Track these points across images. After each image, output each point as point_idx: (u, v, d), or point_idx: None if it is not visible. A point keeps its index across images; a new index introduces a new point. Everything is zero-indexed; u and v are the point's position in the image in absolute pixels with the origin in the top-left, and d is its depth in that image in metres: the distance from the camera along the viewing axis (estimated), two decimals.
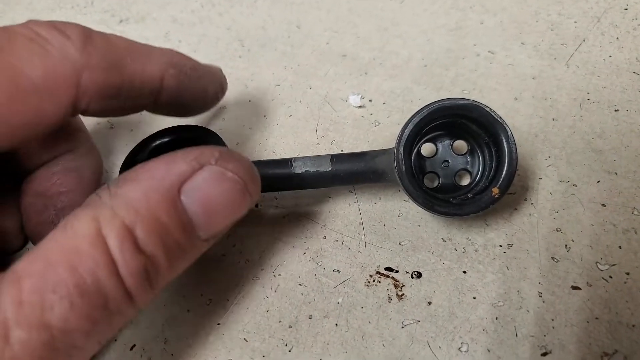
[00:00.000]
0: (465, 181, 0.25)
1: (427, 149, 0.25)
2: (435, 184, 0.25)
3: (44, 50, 0.17)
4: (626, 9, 0.31)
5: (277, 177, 0.24)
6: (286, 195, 0.27)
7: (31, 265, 0.15)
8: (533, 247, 0.23)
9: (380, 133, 0.29)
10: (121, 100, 0.21)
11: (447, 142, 0.25)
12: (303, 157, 0.24)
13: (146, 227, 0.16)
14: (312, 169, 0.24)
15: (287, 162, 0.24)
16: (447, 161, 0.25)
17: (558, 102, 0.28)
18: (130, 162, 0.25)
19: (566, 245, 0.23)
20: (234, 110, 0.31)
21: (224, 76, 0.27)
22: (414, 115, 0.22)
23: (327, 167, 0.24)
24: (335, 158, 0.24)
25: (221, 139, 0.25)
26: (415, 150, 0.25)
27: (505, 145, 0.22)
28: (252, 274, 0.25)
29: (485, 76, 0.30)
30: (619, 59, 0.29)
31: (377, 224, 0.25)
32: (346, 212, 0.26)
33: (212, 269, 0.25)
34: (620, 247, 0.23)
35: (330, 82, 0.31)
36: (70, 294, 0.14)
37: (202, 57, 0.35)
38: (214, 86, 0.25)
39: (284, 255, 0.25)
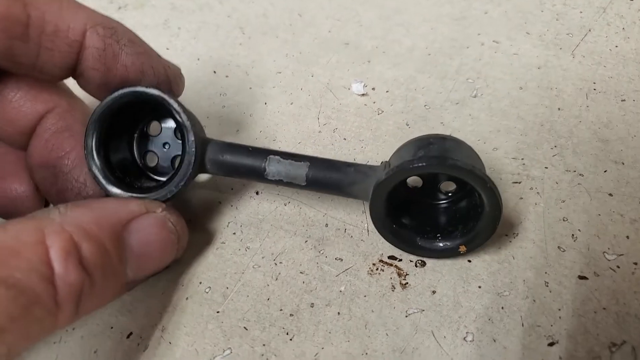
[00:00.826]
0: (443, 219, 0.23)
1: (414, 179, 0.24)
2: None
3: None
4: (632, 0, 0.31)
5: (248, 172, 0.23)
6: None
7: None
8: (539, 237, 0.23)
9: (384, 121, 0.28)
10: (30, 48, 0.18)
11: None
12: (280, 161, 0.22)
13: (92, 247, 0.17)
14: (285, 180, 0.22)
15: (260, 166, 0.22)
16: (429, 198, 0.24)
17: (564, 92, 0.28)
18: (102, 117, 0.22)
19: (573, 234, 0.23)
20: (235, 98, 0.31)
21: (181, 75, 0.23)
22: (400, 171, 0.20)
23: (301, 182, 0.22)
24: (312, 171, 0.22)
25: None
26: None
27: (487, 208, 0.20)
28: (253, 262, 0.24)
29: (490, 65, 0.29)
30: (625, 49, 0.29)
31: None
32: (348, 200, 0.26)
33: (211, 257, 0.25)
34: (627, 237, 0.22)
35: (333, 70, 0.31)
36: None
37: (202, 44, 0.34)
38: (156, 73, 0.21)
39: (285, 243, 0.25)
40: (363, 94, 0.29)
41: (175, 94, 0.23)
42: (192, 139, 0.21)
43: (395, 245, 0.23)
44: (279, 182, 0.23)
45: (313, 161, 0.22)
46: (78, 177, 0.21)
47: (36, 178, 0.22)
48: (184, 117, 0.21)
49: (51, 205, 0.18)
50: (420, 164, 0.19)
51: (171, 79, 0.22)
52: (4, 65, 0.18)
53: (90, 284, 0.17)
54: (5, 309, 0.14)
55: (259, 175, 0.23)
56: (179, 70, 0.23)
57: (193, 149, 0.21)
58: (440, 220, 0.23)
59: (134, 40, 0.21)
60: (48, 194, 0.22)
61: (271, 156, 0.22)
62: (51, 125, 0.21)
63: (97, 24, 0.19)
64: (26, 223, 0.16)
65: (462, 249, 0.22)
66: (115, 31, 0.20)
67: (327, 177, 0.22)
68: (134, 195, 0.21)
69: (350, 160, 0.27)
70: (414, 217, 0.23)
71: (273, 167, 0.22)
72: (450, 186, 0.23)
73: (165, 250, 0.21)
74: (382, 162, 0.22)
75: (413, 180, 0.24)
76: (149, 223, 0.19)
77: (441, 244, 0.22)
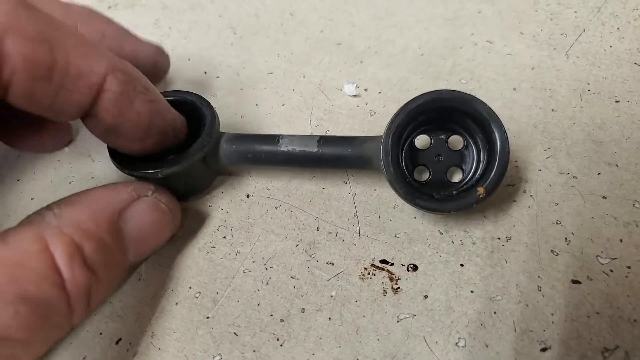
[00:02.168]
0: (457, 178, 0.24)
1: (421, 140, 0.25)
2: (426, 177, 0.24)
3: None
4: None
5: (262, 152, 0.24)
6: (279, 186, 0.26)
7: None
8: (532, 240, 0.23)
9: (376, 123, 0.28)
10: (51, 89, 0.18)
11: (442, 136, 0.24)
12: (291, 136, 0.24)
13: (94, 245, 0.17)
14: (298, 148, 0.23)
15: (274, 139, 0.24)
16: (440, 156, 0.24)
17: (557, 93, 0.27)
18: None
19: (566, 238, 0.23)
20: (226, 99, 0.30)
21: (185, 125, 0.24)
22: (408, 103, 0.22)
23: (313, 148, 0.23)
24: (323, 140, 0.23)
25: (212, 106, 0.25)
26: (408, 141, 0.24)
27: (499, 145, 0.21)
28: (243, 267, 0.24)
29: (483, 66, 0.29)
30: (619, 50, 0.29)
31: (372, 216, 0.25)
32: (340, 203, 0.25)
33: (201, 261, 0.24)
34: (621, 241, 0.22)
35: (325, 70, 0.31)
36: (13, 302, 0.15)
37: (193, 44, 0.34)
38: (165, 124, 0.22)
39: (276, 247, 0.24)
40: (355, 95, 0.29)
41: (176, 137, 0.23)
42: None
43: (411, 202, 0.21)
44: (291, 155, 0.23)
45: (323, 137, 0.24)
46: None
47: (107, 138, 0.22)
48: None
49: (45, 207, 0.18)
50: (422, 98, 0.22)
51: (176, 131, 0.23)
52: (21, 105, 0.18)
53: (96, 281, 0.18)
54: (26, 323, 0.15)
55: (272, 151, 0.24)
56: (184, 121, 0.24)
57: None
58: (453, 173, 0.25)
59: (148, 88, 0.21)
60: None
61: (283, 135, 0.24)
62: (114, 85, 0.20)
63: (117, 69, 0.19)
64: (25, 232, 0.16)
65: (481, 190, 0.21)
66: (133, 77, 0.20)
67: (338, 140, 0.23)
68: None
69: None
70: (426, 176, 0.24)
71: (286, 139, 0.24)
72: (459, 143, 0.24)
73: (161, 231, 0.21)
74: None
75: (421, 145, 0.24)
76: (142, 208, 0.20)
77: (458, 194, 0.22)
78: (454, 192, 0.22)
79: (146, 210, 0.20)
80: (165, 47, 0.34)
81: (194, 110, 0.24)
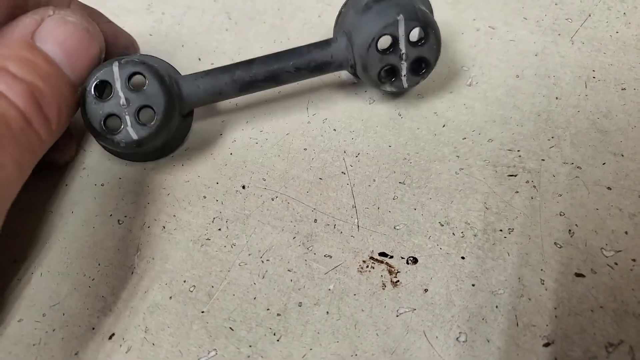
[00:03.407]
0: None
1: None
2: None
3: None
4: None
5: (228, 82, 0.24)
6: (275, 177, 0.26)
7: None
8: (535, 232, 0.22)
9: (375, 111, 0.27)
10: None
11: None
12: (251, 60, 0.25)
13: (16, 62, 0.19)
14: (264, 69, 0.25)
15: (237, 66, 0.25)
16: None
17: (562, 80, 0.27)
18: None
19: (570, 230, 0.22)
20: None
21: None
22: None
23: (282, 64, 0.25)
24: (283, 56, 0.25)
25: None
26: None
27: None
28: (239, 260, 0.23)
29: (486, 52, 0.28)
30: (626, 35, 0.28)
31: (371, 207, 0.24)
32: (338, 194, 0.25)
33: (196, 254, 0.24)
34: (626, 233, 0.22)
35: None
36: None
37: (187, 30, 0.33)
38: (125, 37, 0.26)
39: (272, 240, 0.24)
40: (354, 83, 0.28)
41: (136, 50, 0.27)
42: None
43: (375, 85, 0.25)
44: (257, 77, 0.24)
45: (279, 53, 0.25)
46: None
47: None
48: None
49: None
50: None
51: (134, 42, 0.27)
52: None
53: (37, 89, 0.19)
54: None
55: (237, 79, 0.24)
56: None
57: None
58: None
59: (102, 15, 0.25)
60: None
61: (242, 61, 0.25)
62: None
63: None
64: None
65: None
66: (91, 9, 0.24)
67: (299, 53, 0.25)
68: None
69: (340, 152, 0.26)
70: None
71: (247, 64, 0.25)
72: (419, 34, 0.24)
73: (82, 40, 0.21)
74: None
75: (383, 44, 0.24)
76: (51, 27, 0.20)
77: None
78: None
79: (56, 26, 0.21)
80: (158, 33, 0.33)
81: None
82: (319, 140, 0.27)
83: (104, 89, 0.22)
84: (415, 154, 0.25)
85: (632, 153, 0.24)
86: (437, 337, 0.20)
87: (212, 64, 0.31)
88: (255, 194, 0.25)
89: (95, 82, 0.22)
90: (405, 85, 0.25)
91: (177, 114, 0.24)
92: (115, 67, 0.22)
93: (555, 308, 0.20)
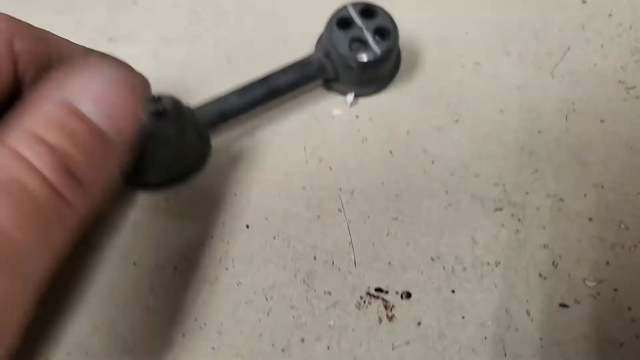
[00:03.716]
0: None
1: None
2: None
3: None
4: (610, 15, 0.31)
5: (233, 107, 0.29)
6: (276, 216, 0.27)
7: None
8: (521, 264, 0.24)
9: (368, 150, 0.29)
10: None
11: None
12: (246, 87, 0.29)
13: (46, 124, 0.16)
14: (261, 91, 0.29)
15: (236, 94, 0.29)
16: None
17: (544, 114, 0.28)
18: None
19: (553, 261, 0.24)
20: (224, 130, 0.31)
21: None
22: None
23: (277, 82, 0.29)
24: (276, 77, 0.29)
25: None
26: None
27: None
28: (245, 297, 0.25)
29: (471, 89, 0.30)
30: (603, 67, 0.29)
31: (367, 244, 0.26)
32: (336, 231, 0.26)
33: (205, 293, 0.25)
34: (607, 263, 0.23)
35: (317, 98, 0.32)
36: None
37: (191, 76, 0.35)
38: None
39: (275, 277, 0.25)
40: (349, 122, 0.30)
41: None
42: None
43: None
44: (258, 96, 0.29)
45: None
46: None
47: None
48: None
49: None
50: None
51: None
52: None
53: (69, 157, 0.16)
54: (20, 221, 0.14)
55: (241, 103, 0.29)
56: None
57: None
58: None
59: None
60: None
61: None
62: None
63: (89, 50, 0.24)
64: None
65: None
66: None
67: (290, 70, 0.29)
68: None
69: (336, 190, 0.27)
70: None
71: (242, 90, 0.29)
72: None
73: (124, 93, 0.18)
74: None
75: None
76: (85, 81, 0.18)
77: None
78: None
79: (92, 80, 0.18)
80: (165, 79, 0.35)
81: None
82: (316, 179, 0.28)
83: None
84: (407, 190, 0.27)
85: (612, 184, 0.25)
86: None
87: None
88: (258, 233, 0.27)
89: None
90: (377, 50, 0.27)
91: (189, 124, 0.27)
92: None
93: (541, 338, 0.22)
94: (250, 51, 0.35)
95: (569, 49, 0.30)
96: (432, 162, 0.28)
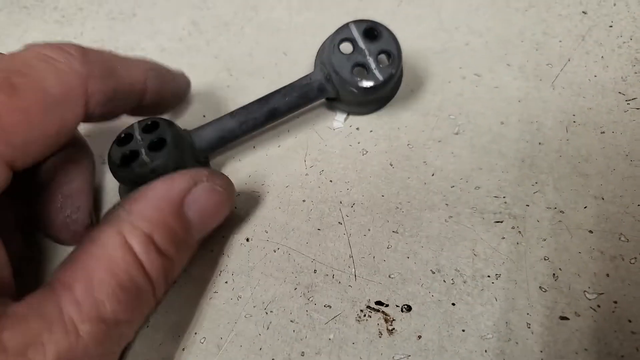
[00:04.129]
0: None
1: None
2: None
3: (55, 68, 0.21)
4: (611, 27, 0.31)
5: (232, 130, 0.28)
6: (276, 229, 0.27)
7: (75, 273, 0.19)
8: (521, 277, 0.24)
9: (368, 162, 0.29)
10: (117, 102, 0.24)
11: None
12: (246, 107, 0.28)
13: (162, 233, 0.21)
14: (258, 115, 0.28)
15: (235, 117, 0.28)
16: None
17: (544, 126, 0.28)
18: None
19: (554, 274, 0.23)
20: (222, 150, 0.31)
21: (188, 78, 0.31)
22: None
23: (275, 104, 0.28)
24: (277, 97, 0.28)
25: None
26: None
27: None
28: (245, 311, 0.25)
29: (472, 100, 0.30)
30: (604, 79, 0.29)
31: (367, 257, 0.26)
32: (336, 244, 0.26)
33: (205, 307, 0.26)
34: (607, 275, 0.23)
35: (318, 110, 0.32)
36: (115, 292, 0.19)
37: (192, 87, 0.35)
38: (184, 84, 0.30)
39: (275, 291, 0.25)
40: (349, 133, 0.30)
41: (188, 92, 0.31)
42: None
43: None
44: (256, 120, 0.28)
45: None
46: (71, 203, 0.26)
47: (33, 192, 0.26)
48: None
49: (118, 204, 0.22)
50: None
51: (189, 84, 0.31)
52: (97, 120, 0.24)
53: (170, 261, 0.21)
54: (127, 306, 0.19)
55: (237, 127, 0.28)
56: (185, 75, 0.30)
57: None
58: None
59: (169, 71, 0.28)
60: (37, 209, 0.26)
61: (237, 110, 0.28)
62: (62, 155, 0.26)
63: (148, 69, 0.26)
64: (107, 231, 0.20)
65: None
66: (158, 69, 0.27)
67: (290, 91, 0.28)
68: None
69: (336, 203, 0.27)
70: None
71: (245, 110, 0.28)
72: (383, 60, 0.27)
73: (220, 209, 0.24)
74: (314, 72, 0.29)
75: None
76: (201, 194, 0.22)
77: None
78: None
79: (204, 194, 0.23)
80: (165, 92, 0.35)
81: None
82: (316, 192, 0.28)
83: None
84: (407, 202, 0.27)
85: (612, 196, 0.25)
86: None
87: None
88: (258, 247, 0.27)
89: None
90: (380, 76, 0.26)
91: (188, 151, 0.27)
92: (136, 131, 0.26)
93: (541, 351, 0.22)
94: (250, 62, 0.35)
95: (569, 60, 0.30)
96: (433, 175, 0.28)
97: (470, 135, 0.29)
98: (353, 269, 0.25)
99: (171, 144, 0.25)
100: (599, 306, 0.22)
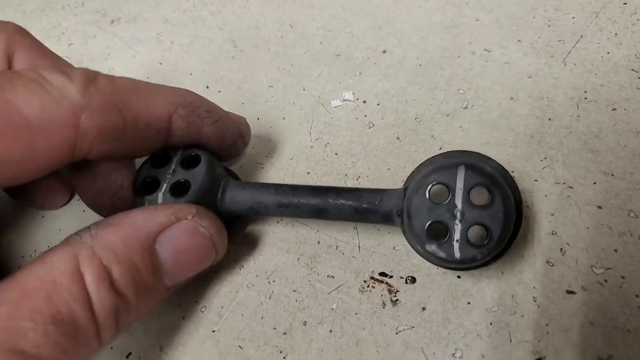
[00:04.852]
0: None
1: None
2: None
3: (43, 90, 0.18)
4: (625, 4, 0.31)
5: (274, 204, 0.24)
6: None
7: (7, 293, 0.16)
8: (528, 251, 0.23)
9: (374, 135, 0.28)
10: (126, 142, 0.20)
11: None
12: (301, 189, 0.23)
13: (122, 269, 0.18)
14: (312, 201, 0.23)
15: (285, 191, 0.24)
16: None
17: (554, 102, 0.28)
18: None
19: (561, 248, 0.23)
20: None
21: (248, 125, 0.26)
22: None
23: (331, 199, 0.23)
24: (334, 193, 0.23)
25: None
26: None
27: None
28: (247, 281, 0.25)
29: (481, 75, 0.29)
30: (617, 56, 0.29)
31: (371, 228, 0.25)
32: None
33: (206, 276, 0.25)
34: (615, 251, 0.23)
35: (324, 83, 0.31)
36: (45, 322, 0.15)
37: (195, 58, 0.34)
38: (232, 133, 0.24)
39: (278, 261, 0.25)
40: (347, 99, 0.30)
41: (245, 143, 0.26)
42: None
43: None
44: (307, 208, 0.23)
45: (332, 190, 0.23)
46: (119, 199, 0.23)
47: (82, 183, 0.23)
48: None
49: (86, 227, 0.19)
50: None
51: (243, 134, 0.25)
52: (99, 159, 0.21)
53: (124, 303, 0.18)
54: (56, 344, 0.16)
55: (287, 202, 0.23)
56: (245, 121, 0.26)
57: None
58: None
59: (211, 110, 0.23)
60: (84, 193, 0.24)
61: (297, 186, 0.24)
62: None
63: (179, 106, 0.21)
64: (62, 252, 0.17)
65: None
66: (194, 106, 0.22)
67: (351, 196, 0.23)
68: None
69: (342, 176, 0.27)
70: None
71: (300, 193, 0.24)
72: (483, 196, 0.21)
73: (200, 257, 0.21)
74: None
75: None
76: (179, 232, 0.20)
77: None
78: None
79: (184, 234, 0.20)
80: (167, 61, 0.35)
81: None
82: (321, 164, 0.28)
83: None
84: None
85: (621, 172, 0.25)
86: (434, 353, 0.22)
87: (220, 91, 0.32)
88: (261, 217, 0.27)
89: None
90: (457, 254, 0.20)
91: (211, 206, 0.23)
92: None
93: (547, 324, 0.21)
94: (255, 34, 0.35)
95: (582, 37, 0.30)
96: (440, 149, 0.27)
97: (479, 110, 0.28)
98: (357, 241, 0.25)
99: (193, 195, 0.22)
100: (606, 281, 0.22)
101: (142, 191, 0.23)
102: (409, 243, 0.22)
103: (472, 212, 0.20)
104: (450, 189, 0.21)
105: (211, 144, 0.23)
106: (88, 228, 0.19)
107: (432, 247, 0.20)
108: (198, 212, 0.21)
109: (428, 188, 0.21)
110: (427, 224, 0.20)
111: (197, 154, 0.23)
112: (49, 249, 0.18)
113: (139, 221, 0.19)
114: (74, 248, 0.17)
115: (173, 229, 0.19)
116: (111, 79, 0.20)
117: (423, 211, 0.21)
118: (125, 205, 0.23)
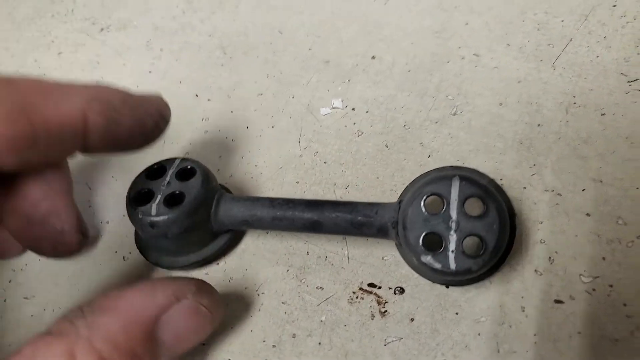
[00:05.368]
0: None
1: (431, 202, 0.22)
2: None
3: None
4: (614, 6, 0.30)
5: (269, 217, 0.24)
6: None
7: None
8: (516, 260, 0.23)
9: (363, 143, 0.28)
10: (40, 150, 0.18)
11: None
12: (298, 203, 0.24)
13: (124, 358, 0.16)
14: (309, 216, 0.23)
15: (280, 204, 0.24)
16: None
17: (544, 107, 0.27)
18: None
19: (549, 257, 0.23)
20: (217, 122, 0.31)
21: (166, 104, 0.23)
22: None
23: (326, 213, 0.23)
24: (328, 206, 0.23)
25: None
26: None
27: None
28: (236, 293, 0.25)
29: (470, 81, 0.29)
30: (606, 60, 0.28)
31: (360, 239, 0.25)
32: None
33: None
34: (603, 259, 0.23)
35: (313, 90, 0.31)
36: None
37: (184, 66, 0.34)
38: (152, 117, 0.22)
39: (267, 273, 0.25)
40: (335, 107, 0.29)
41: (167, 121, 0.23)
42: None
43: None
44: (303, 221, 0.23)
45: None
46: (49, 221, 0.21)
47: (10, 226, 0.22)
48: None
49: (78, 308, 0.18)
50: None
51: (163, 114, 0.23)
52: (15, 171, 0.19)
53: None
54: None
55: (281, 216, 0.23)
56: (161, 98, 0.23)
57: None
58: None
59: (125, 99, 0.21)
60: (13, 228, 0.22)
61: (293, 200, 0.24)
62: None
63: (90, 101, 0.19)
64: (56, 347, 0.16)
65: None
66: (108, 99, 0.20)
67: (344, 208, 0.23)
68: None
69: (331, 185, 0.27)
70: None
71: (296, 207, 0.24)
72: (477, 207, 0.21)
73: (201, 332, 0.20)
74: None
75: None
76: (180, 315, 0.19)
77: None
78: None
79: (185, 314, 0.19)
80: (157, 69, 0.35)
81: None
82: (310, 174, 0.28)
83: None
84: (402, 185, 0.26)
85: (610, 179, 0.24)
86: None
87: (209, 99, 0.32)
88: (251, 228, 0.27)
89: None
90: (453, 264, 0.20)
91: (203, 221, 0.24)
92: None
93: (535, 334, 0.21)
94: (245, 41, 0.34)
95: (571, 40, 0.30)
96: (429, 156, 0.27)
97: (468, 116, 0.28)
98: (346, 251, 0.25)
99: (187, 205, 0.22)
100: (594, 290, 0.22)
101: (135, 202, 0.23)
102: (404, 258, 0.23)
103: (467, 223, 0.20)
104: (445, 200, 0.21)
105: (133, 134, 0.21)
106: (81, 311, 0.17)
107: (427, 259, 0.20)
108: (198, 289, 0.20)
109: (423, 199, 0.21)
110: (423, 235, 0.20)
111: (193, 166, 0.24)
112: (38, 337, 0.16)
113: (138, 304, 0.18)
114: (69, 342, 0.16)
115: (173, 311, 0.19)
116: (9, 82, 0.18)
117: (418, 222, 0.21)
118: (72, 251, 0.23)
